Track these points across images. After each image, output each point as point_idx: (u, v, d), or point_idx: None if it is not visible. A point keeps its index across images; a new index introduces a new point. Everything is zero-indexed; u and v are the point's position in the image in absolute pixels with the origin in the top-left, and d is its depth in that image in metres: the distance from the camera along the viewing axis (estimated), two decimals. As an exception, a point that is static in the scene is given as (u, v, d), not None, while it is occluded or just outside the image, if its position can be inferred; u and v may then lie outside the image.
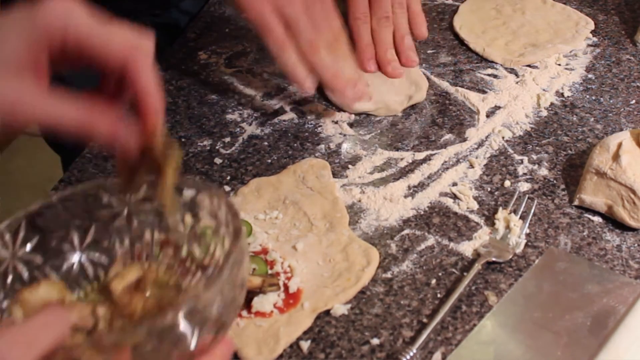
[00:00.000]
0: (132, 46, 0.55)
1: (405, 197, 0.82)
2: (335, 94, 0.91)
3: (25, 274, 0.57)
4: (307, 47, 0.85)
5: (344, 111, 0.93)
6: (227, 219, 0.55)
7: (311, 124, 0.92)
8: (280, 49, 0.84)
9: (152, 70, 0.55)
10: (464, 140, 0.89)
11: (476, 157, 0.87)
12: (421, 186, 0.83)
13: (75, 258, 0.60)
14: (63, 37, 0.54)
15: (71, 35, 0.54)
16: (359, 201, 0.81)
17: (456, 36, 1.07)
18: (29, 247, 0.57)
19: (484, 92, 0.97)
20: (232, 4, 0.87)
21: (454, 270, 0.74)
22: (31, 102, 0.54)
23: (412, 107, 0.94)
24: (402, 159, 0.87)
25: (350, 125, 0.92)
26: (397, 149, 0.88)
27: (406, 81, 0.95)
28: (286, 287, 0.70)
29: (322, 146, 0.89)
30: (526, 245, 0.76)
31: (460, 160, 0.86)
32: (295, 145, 0.89)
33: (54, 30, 0.53)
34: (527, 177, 0.84)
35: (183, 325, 0.47)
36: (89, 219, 0.60)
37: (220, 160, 0.87)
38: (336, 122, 0.92)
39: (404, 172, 0.85)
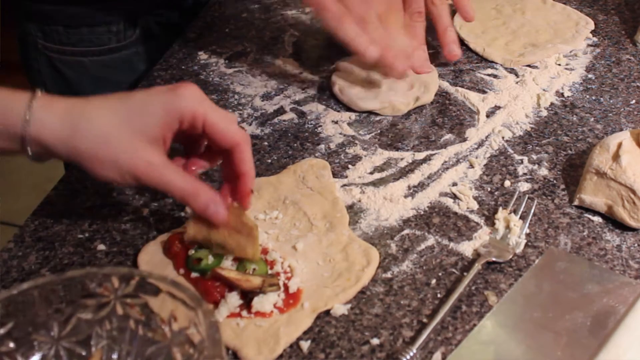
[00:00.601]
0: (242, 135, 0.70)
1: (405, 197, 0.82)
2: (384, 67, 0.91)
3: None
4: (359, 21, 0.87)
5: (351, 110, 0.93)
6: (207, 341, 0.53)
7: (311, 124, 0.92)
8: (338, 23, 0.86)
9: (252, 158, 0.72)
10: (464, 140, 0.89)
11: (476, 157, 0.87)
12: (421, 186, 0.83)
13: (50, 348, 0.57)
14: (192, 119, 0.68)
15: (200, 119, 0.68)
16: (359, 201, 0.81)
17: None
18: (1, 331, 0.55)
19: (484, 92, 0.97)
20: None
21: (454, 270, 0.74)
22: (161, 167, 0.68)
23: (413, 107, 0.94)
24: (402, 159, 0.87)
25: (350, 125, 0.92)
26: (397, 149, 0.88)
27: (416, 82, 0.95)
28: (286, 287, 0.70)
29: (322, 146, 0.89)
30: (526, 245, 0.76)
31: (460, 160, 0.86)
32: (295, 145, 0.89)
33: (186, 114, 0.67)
34: (527, 177, 0.84)
35: None
36: (72, 307, 0.57)
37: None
38: (336, 122, 0.92)
39: (404, 172, 0.85)
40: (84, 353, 0.58)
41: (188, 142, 0.74)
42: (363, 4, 0.87)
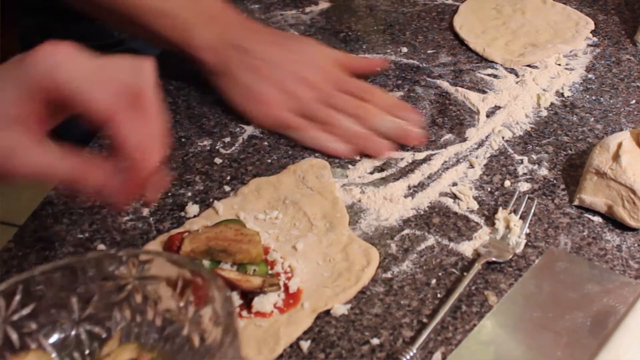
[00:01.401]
0: (112, 107, 0.55)
1: (405, 197, 0.82)
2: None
3: (16, 340, 0.55)
4: (326, 128, 0.87)
5: None
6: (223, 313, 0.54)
7: (311, 123, 0.92)
8: (301, 133, 0.88)
9: (133, 127, 0.56)
10: (464, 140, 0.89)
11: (476, 157, 0.87)
12: (421, 186, 0.83)
13: (71, 329, 0.57)
14: (47, 91, 0.54)
15: (53, 91, 0.54)
16: (359, 201, 0.81)
17: (456, 36, 1.07)
18: (24, 312, 0.55)
19: (484, 92, 0.97)
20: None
21: (454, 270, 0.74)
22: (25, 152, 0.55)
23: (412, 107, 0.94)
24: (402, 159, 0.87)
25: (350, 125, 0.92)
26: (397, 149, 0.88)
27: None
28: (286, 287, 0.70)
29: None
30: (526, 245, 0.76)
31: (460, 160, 0.86)
32: (296, 145, 0.89)
33: (45, 81, 0.54)
34: (527, 177, 0.84)
35: None
36: (91, 289, 0.57)
37: (220, 160, 0.87)
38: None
39: (404, 172, 0.85)
40: (103, 335, 0.58)
41: None
42: (328, 115, 0.88)
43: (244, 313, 0.68)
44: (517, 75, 0.99)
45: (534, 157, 0.87)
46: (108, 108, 0.55)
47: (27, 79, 0.55)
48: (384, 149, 0.87)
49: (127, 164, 0.57)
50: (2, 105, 0.55)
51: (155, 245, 0.75)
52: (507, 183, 0.83)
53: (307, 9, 1.14)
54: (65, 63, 0.55)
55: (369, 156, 0.86)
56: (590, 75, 0.99)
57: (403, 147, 0.88)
